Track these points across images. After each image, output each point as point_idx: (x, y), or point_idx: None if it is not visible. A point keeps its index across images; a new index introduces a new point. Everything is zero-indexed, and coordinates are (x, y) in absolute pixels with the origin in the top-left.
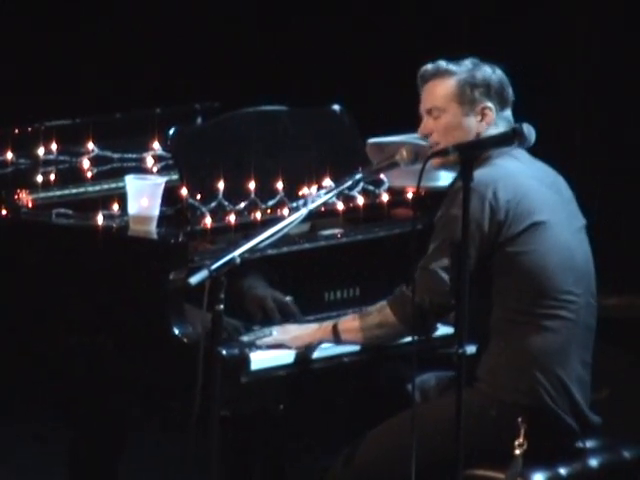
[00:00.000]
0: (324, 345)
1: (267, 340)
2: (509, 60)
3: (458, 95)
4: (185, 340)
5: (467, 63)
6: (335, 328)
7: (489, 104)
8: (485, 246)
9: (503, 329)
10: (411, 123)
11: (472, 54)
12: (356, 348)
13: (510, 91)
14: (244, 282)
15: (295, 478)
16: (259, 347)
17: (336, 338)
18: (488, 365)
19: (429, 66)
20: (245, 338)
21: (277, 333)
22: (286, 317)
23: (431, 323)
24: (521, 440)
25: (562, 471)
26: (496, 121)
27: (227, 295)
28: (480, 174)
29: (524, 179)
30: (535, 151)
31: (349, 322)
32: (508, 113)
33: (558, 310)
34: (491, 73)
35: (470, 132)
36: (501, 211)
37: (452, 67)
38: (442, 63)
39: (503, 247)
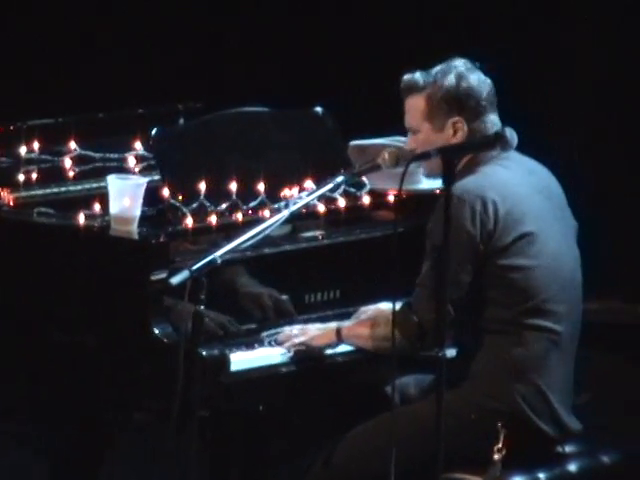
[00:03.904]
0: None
1: (287, 341)
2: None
3: (427, 113)
4: (165, 340)
5: (436, 73)
6: (347, 331)
7: (458, 117)
8: (480, 258)
9: (486, 337)
10: (394, 125)
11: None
12: (335, 350)
13: (484, 96)
14: (236, 281)
15: (275, 479)
16: (280, 345)
17: (348, 341)
18: (469, 371)
19: (405, 78)
20: (265, 334)
21: (297, 332)
22: (282, 316)
23: (430, 340)
24: (500, 445)
25: (541, 476)
26: (473, 130)
27: (222, 293)
28: (469, 182)
29: (513, 188)
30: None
31: (361, 328)
32: (491, 118)
33: (541, 320)
34: (455, 84)
35: None
36: (490, 221)
37: (421, 81)
38: (415, 76)
39: (492, 259)
